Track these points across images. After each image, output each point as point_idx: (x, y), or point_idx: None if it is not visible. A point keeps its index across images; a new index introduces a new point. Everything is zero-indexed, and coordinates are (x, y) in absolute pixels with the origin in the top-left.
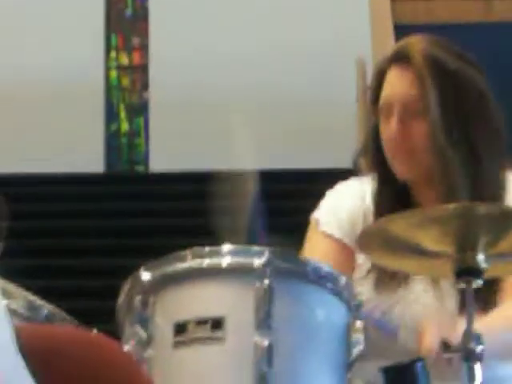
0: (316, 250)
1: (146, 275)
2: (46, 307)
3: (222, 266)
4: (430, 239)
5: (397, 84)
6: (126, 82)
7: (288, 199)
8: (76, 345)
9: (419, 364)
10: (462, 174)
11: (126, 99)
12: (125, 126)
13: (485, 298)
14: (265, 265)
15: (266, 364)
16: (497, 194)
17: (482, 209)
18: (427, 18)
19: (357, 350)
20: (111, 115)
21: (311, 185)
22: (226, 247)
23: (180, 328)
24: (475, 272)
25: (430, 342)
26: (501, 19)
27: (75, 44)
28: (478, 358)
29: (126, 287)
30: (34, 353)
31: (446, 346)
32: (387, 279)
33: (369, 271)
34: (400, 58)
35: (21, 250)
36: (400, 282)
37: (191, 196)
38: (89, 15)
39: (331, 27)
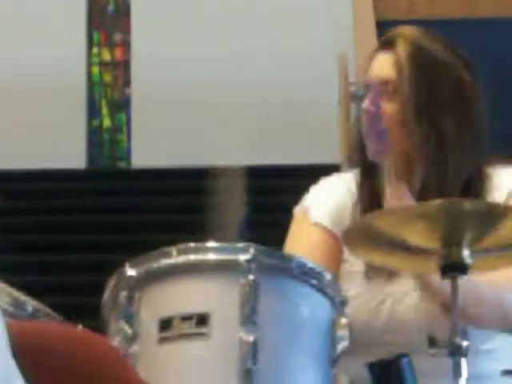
0: (304, 242)
1: (131, 271)
2: (31, 303)
3: (207, 262)
4: (415, 235)
5: (377, 66)
6: (108, 78)
7: (273, 194)
8: (63, 341)
9: (405, 359)
10: (429, 161)
11: (108, 95)
12: (107, 122)
13: None
14: (250, 261)
15: (251, 360)
16: (466, 187)
17: (468, 205)
18: (410, 15)
19: (341, 346)
20: (93, 111)
21: (296, 180)
22: (211, 243)
23: (165, 324)
24: (461, 268)
25: (438, 280)
26: (483, 16)
27: (57, 40)
28: (465, 353)
29: (111, 283)
30: (22, 350)
31: (432, 340)
32: (375, 274)
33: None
34: (386, 42)
35: (4, 246)
36: (390, 277)
37: (173, 192)
38: (71, 11)
39: (313, 25)
